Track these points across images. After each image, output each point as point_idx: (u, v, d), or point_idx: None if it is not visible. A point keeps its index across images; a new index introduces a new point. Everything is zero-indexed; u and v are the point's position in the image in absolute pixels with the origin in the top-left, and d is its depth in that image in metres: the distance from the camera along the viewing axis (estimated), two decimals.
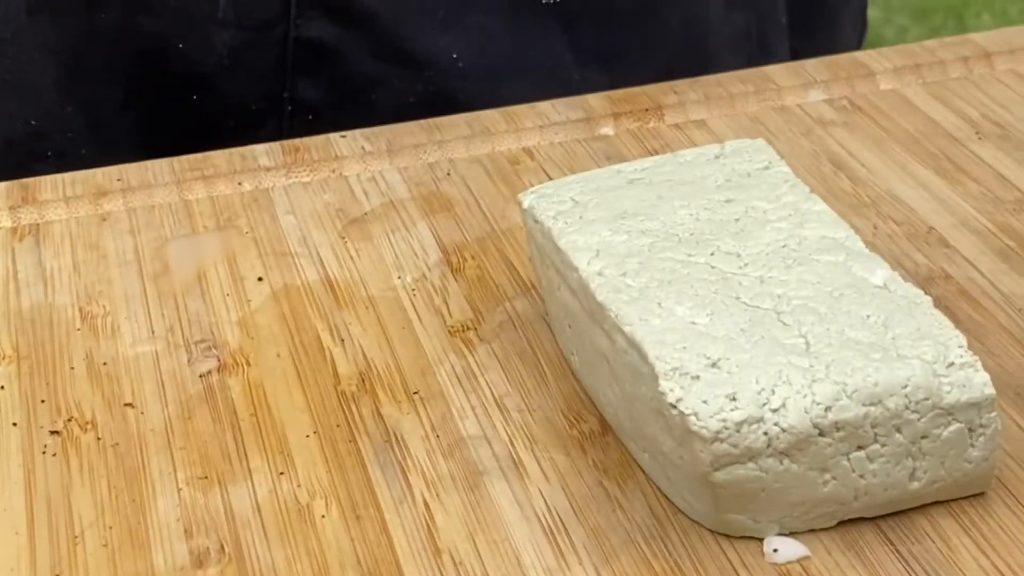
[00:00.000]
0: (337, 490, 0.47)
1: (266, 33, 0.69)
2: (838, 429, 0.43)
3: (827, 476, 0.43)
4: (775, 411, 0.42)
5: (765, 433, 0.42)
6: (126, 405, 0.50)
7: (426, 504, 0.46)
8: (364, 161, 0.64)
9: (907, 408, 0.43)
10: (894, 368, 0.43)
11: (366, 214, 0.60)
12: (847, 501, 0.44)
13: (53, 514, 0.46)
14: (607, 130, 0.64)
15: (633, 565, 0.44)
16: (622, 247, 0.48)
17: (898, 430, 0.43)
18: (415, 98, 0.65)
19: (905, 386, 0.43)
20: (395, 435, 0.49)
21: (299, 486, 0.47)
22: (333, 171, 0.63)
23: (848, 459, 0.43)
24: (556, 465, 0.47)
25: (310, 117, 0.70)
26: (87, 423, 0.50)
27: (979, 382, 0.44)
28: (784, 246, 0.48)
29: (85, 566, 0.44)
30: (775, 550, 0.43)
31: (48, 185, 0.62)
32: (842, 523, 0.44)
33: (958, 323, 0.52)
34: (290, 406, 0.50)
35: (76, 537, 0.45)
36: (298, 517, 0.46)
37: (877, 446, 0.43)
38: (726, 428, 0.42)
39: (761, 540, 0.44)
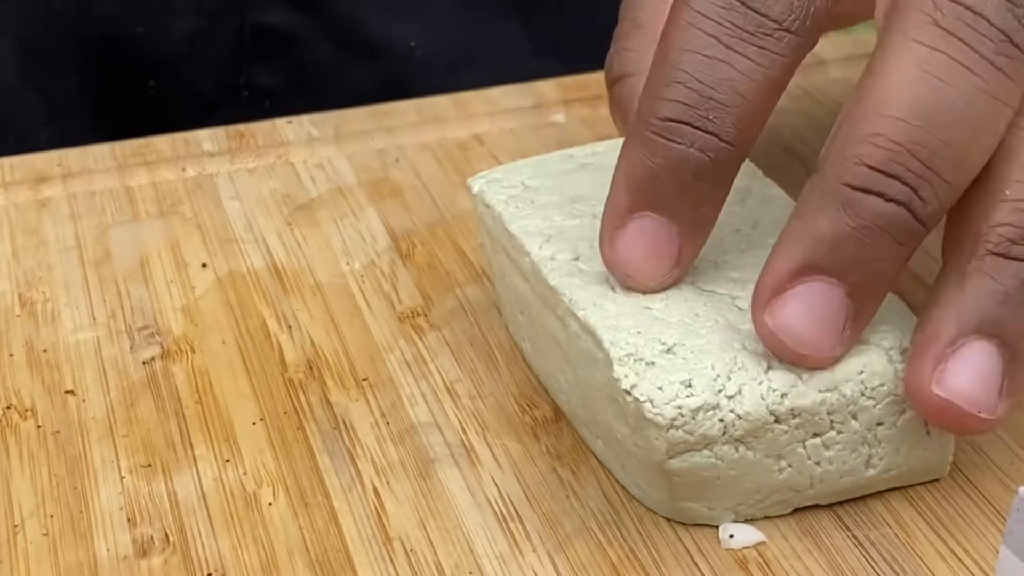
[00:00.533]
0: (285, 478, 0.46)
1: (223, 18, 0.68)
2: (794, 416, 0.42)
3: (783, 463, 0.43)
4: (731, 398, 0.42)
5: (721, 420, 0.41)
6: (67, 392, 0.49)
7: (376, 491, 0.45)
8: (311, 147, 0.63)
9: (863, 395, 0.42)
10: (850, 354, 0.42)
11: (313, 200, 0.59)
12: (803, 488, 0.43)
13: None
14: (558, 117, 0.64)
15: (588, 552, 0.43)
16: (574, 231, 0.47)
17: (854, 417, 0.42)
18: (372, 86, 0.65)
19: (861, 372, 0.42)
20: (344, 422, 0.48)
21: (245, 474, 0.46)
22: (279, 157, 0.62)
23: (804, 446, 0.43)
24: (508, 452, 0.47)
25: (267, 104, 0.69)
26: (27, 411, 0.48)
27: None
28: (738, 230, 0.47)
29: (26, 555, 0.43)
30: (731, 536, 0.43)
31: None
32: (798, 510, 0.44)
33: None
34: (236, 393, 0.49)
35: (16, 526, 0.44)
36: (244, 505, 0.45)
37: (833, 433, 0.42)
38: (681, 415, 0.41)
39: (714, 526, 0.43)
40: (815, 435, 0.42)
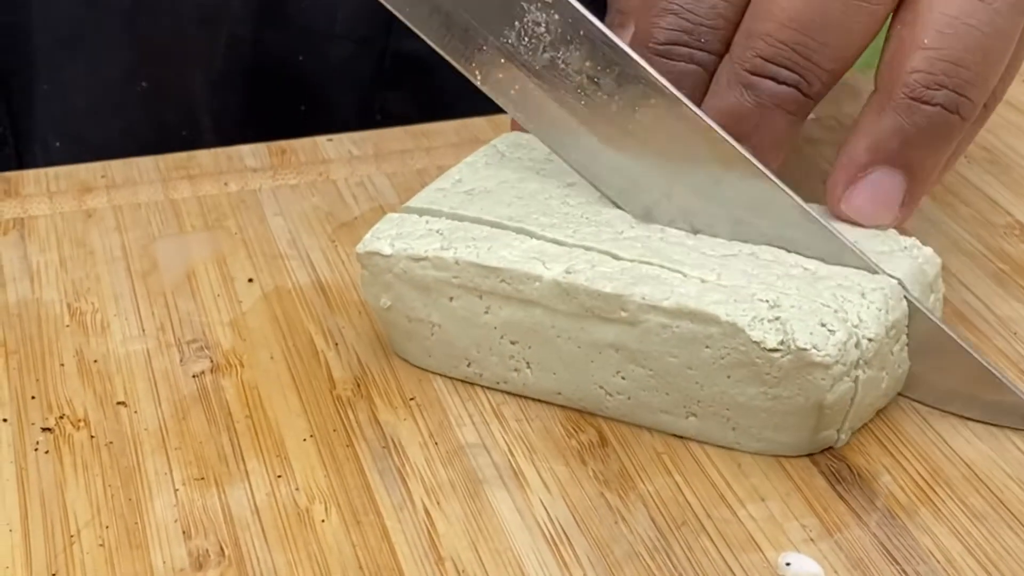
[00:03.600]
0: (336, 495, 0.46)
1: (368, 46, 0.72)
2: (893, 327, 0.47)
3: (883, 374, 0.47)
4: (856, 326, 0.46)
5: (857, 346, 0.46)
6: (119, 404, 0.50)
7: (426, 511, 0.46)
8: (351, 165, 0.63)
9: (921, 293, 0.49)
10: (899, 260, 0.49)
11: (356, 219, 0.59)
12: (891, 394, 0.49)
13: (47, 512, 0.45)
14: None
15: None
16: (550, 244, 0.49)
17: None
18: (494, 110, 0.66)
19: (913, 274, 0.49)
20: (393, 441, 0.48)
21: (297, 489, 0.46)
22: (320, 174, 0.63)
23: (892, 352, 0.47)
24: (556, 475, 0.47)
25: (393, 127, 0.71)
26: (79, 421, 0.49)
27: (928, 252, 0.50)
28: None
29: (82, 565, 0.44)
30: (787, 564, 0.43)
31: (31, 179, 0.61)
32: (847, 543, 0.44)
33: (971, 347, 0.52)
34: (285, 409, 0.50)
35: (72, 536, 0.45)
36: (297, 521, 0.45)
37: (905, 337, 0.48)
38: (840, 351, 0.45)
39: (766, 554, 0.44)
40: (897, 342, 0.47)
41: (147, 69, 0.71)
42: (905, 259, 0.49)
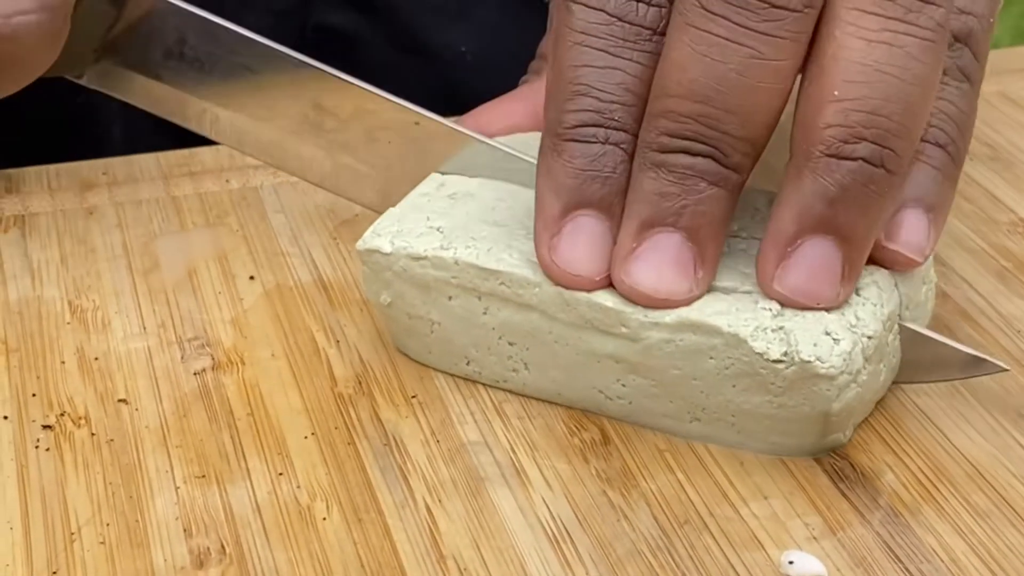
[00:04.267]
0: (338, 493, 0.46)
1: (288, 18, 0.70)
2: (888, 319, 0.47)
3: (882, 366, 0.47)
4: (853, 327, 0.45)
5: (861, 351, 0.45)
6: (120, 401, 0.49)
7: (428, 509, 0.46)
8: None
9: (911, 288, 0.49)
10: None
11: (357, 216, 0.59)
12: (888, 384, 0.48)
13: (48, 509, 0.45)
14: None
15: None
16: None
17: (907, 307, 0.48)
18: (424, 88, 0.66)
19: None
20: (394, 439, 0.48)
21: (299, 487, 0.46)
22: None
23: (888, 343, 0.47)
24: (558, 473, 0.47)
25: None
26: (80, 418, 0.49)
27: None
28: None
29: (83, 563, 0.43)
30: (791, 562, 0.43)
31: (32, 176, 0.61)
32: (850, 541, 0.44)
33: (958, 342, 0.52)
34: (287, 407, 0.49)
35: (73, 534, 0.44)
36: (299, 519, 0.45)
37: (898, 326, 0.48)
38: (844, 361, 0.45)
39: (769, 552, 0.44)
40: (891, 332, 0.47)
41: None
42: None
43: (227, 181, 0.61)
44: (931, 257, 0.50)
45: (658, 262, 0.45)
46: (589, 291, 0.46)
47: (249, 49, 0.55)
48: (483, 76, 0.70)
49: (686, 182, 0.45)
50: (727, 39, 0.44)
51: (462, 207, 0.50)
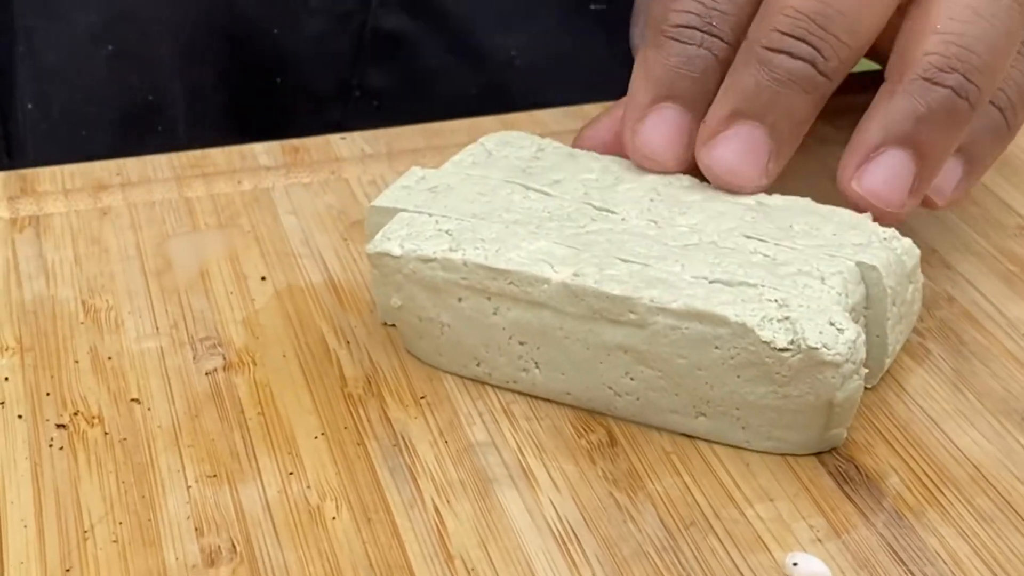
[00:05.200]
0: (347, 492, 0.47)
1: (347, 22, 0.72)
2: (852, 311, 0.48)
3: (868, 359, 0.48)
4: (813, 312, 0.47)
5: (865, 342, 0.46)
6: (132, 400, 0.50)
7: (436, 509, 0.46)
8: (364, 164, 0.63)
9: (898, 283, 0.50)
10: (877, 251, 0.49)
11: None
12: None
13: (62, 508, 0.46)
14: None
15: None
16: (559, 250, 0.49)
17: (893, 303, 0.50)
18: (473, 91, 0.67)
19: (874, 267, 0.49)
20: (403, 439, 0.49)
21: (309, 487, 0.47)
22: (332, 172, 0.63)
23: (877, 336, 0.49)
24: (566, 474, 0.47)
25: (375, 104, 0.72)
26: (93, 417, 0.49)
27: (907, 244, 0.50)
28: (652, 200, 0.51)
29: (96, 561, 0.44)
30: (795, 564, 0.44)
31: (47, 177, 0.62)
32: (854, 543, 0.45)
33: (963, 345, 0.52)
34: (297, 407, 0.50)
35: (86, 532, 0.45)
36: (309, 518, 0.46)
37: (864, 319, 0.49)
38: (849, 348, 0.46)
39: (773, 554, 0.44)
40: (856, 323, 0.48)
41: (114, 32, 0.72)
42: (883, 250, 0.49)
43: (239, 182, 0.62)
44: (918, 257, 0.51)
45: (739, 149, 0.50)
46: (663, 171, 0.52)
47: None
48: (531, 80, 0.72)
49: (782, 82, 0.49)
50: None
51: (442, 200, 0.51)
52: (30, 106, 0.71)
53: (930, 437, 0.49)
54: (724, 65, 0.51)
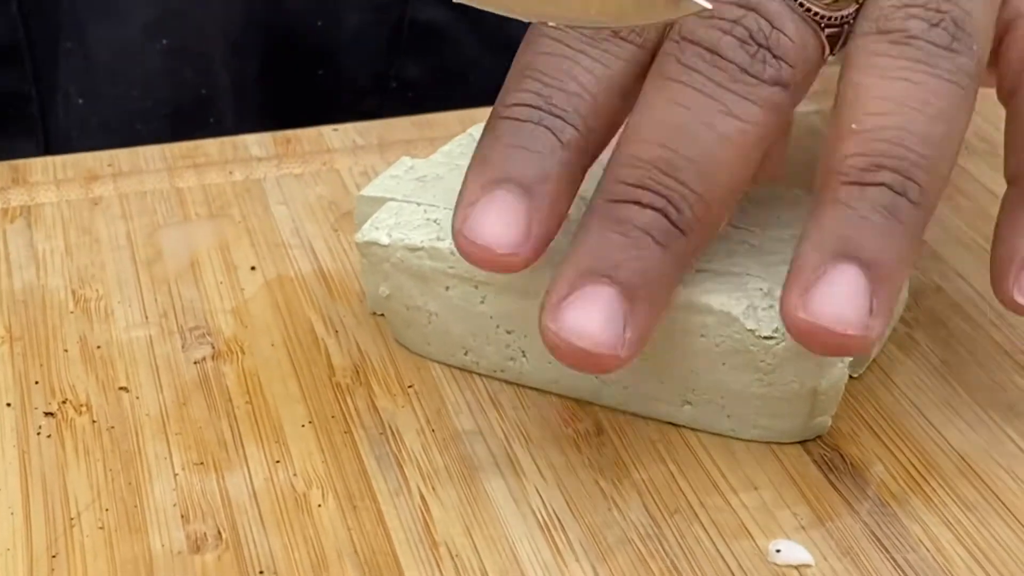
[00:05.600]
0: (333, 480, 0.47)
1: (385, 13, 0.73)
2: None
3: None
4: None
5: None
6: (121, 389, 0.50)
7: (422, 497, 0.46)
8: (355, 155, 0.64)
9: None
10: None
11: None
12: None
13: (49, 495, 0.46)
14: None
15: (629, 564, 0.44)
16: None
17: None
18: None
19: None
20: (390, 428, 0.49)
21: (295, 475, 0.47)
22: (324, 164, 0.63)
23: None
24: (552, 463, 0.48)
25: (410, 95, 0.72)
26: (82, 406, 0.49)
27: None
28: None
29: (82, 548, 0.44)
30: (778, 551, 0.44)
31: (38, 167, 0.62)
32: (838, 531, 0.45)
33: (950, 335, 0.52)
34: (285, 396, 0.50)
35: (72, 519, 0.45)
36: (295, 505, 0.46)
37: None
38: None
39: (757, 541, 0.44)
40: None
41: (168, 27, 0.72)
42: None
43: (231, 173, 0.62)
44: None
45: (588, 314, 0.43)
46: (493, 269, 0.45)
47: None
48: None
49: (631, 235, 0.43)
50: (699, 90, 0.44)
51: (431, 189, 0.51)
52: (80, 101, 0.72)
53: (916, 426, 0.49)
54: (571, 152, 0.45)
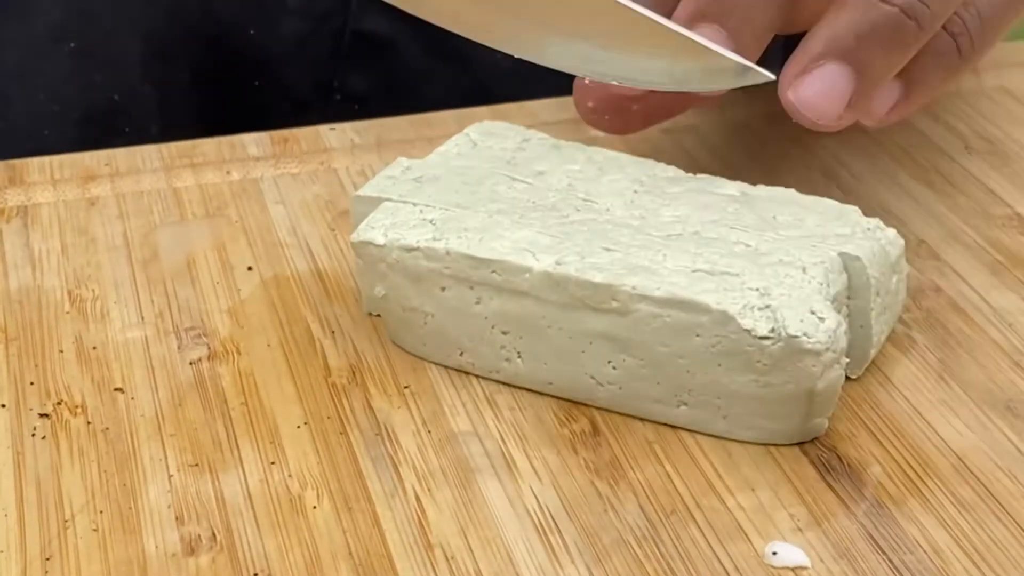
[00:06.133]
0: (328, 481, 0.47)
1: (326, 23, 0.72)
2: (834, 300, 0.48)
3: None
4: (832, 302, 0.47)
5: (846, 332, 0.46)
6: (116, 390, 0.50)
7: (417, 498, 0.46)
8: (353, 154, 0.63)
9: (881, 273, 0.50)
10: (860, 241, 0.49)
11: None
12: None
13: (43, 497, 0.46)
14: (598, 131, 0.64)
15: (625, 566, 0.44)
16: (542, 239, 0.49)
17: (877, 293, 0.50)
18: (457, 93, 0.67)
19: (857, 257, 0.49)
20: (386, 429, 0.49)
21: (290, 476, 0.47)
22: (322, 163, 0.63)
23: (861, 326, 0.50)
24: (547, 463, 0.47)
25: (356, 107, 0.71)
26: (77, 407, 0.49)
27: (891, 234, 0.50)
28: (635, 191, 0.51)
29: (76, 550, 0.44)
30: (774, 553, 0.44)
31: (35, 167, 0.62)
32: (834, 532, 0.45)
33: (949, 335, 0.52)
34: (280, 396, 0.50)
35: (66, 521, 0.45)
36: (289, 507, 0.46)
37: (847, 308, 0.50)
38: (830, 337, 0.45)
39: (753, 543, 0.44)
40: (839, 313, 0.48)
41: (76, 31, 0.71)
42: (866, 240, 0.49)
43: (228, 172, 0.62)
44: (903, 247, 0.51)
45: (822, 89, 0.50)
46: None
47: None
48: (517, 81, 0.71)
49: (877, 25, 0.49)
50: None
51: (427, 189, 0.51)
52: None
53: (913, 427, 0.49)
54: None
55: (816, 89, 0.50)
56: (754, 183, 0.53)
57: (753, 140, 0.64)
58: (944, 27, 0.51)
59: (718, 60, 0.49)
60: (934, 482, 0.46)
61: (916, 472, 0.47)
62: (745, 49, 0.50)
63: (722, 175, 0.53)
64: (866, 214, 0.57)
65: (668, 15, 0.50)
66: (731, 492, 0.46)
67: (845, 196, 0.60)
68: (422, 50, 0.74)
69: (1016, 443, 0.48)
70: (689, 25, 0.50)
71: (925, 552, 0.44)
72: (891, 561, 0.44)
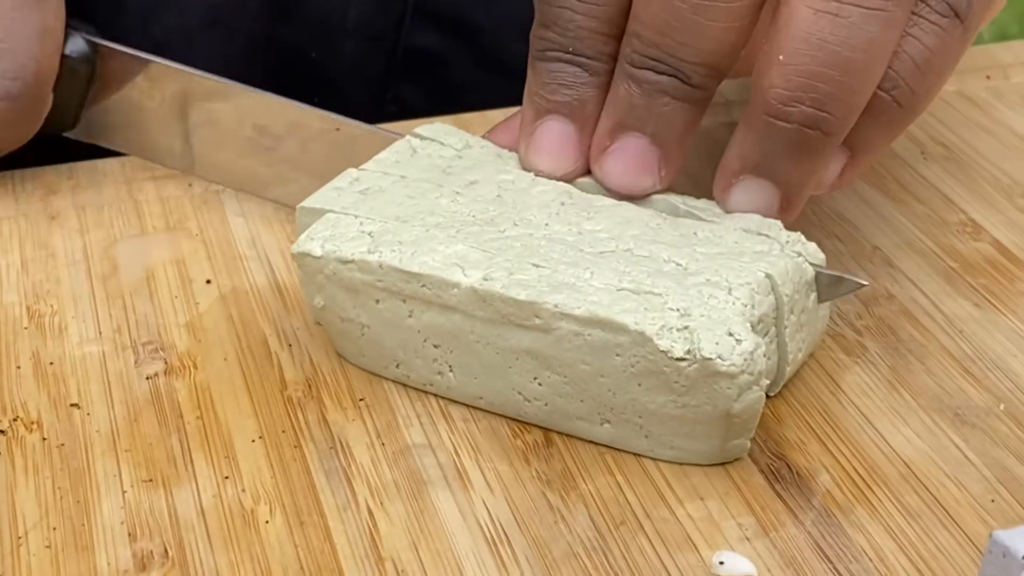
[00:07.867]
0: (282, 496, 0.47)
1: (380, 41, 0.74)
2: (760, 322, 0.48)
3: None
4: (755, 326, 0.47)
5: (764, 353, 0.46)
6: (72, 406, 0.50)
7: (370, 512, 0.46)
8: None
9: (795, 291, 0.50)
10: (775, 259, 0.49)
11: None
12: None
13: None
14: None
15: None
16: (473, 250, 0.49)
17: (791, 311, 0.49)
18: (504, 103, 0.68)
19: (787, 272, 0.49)
20: (340, 442, 0.49)
21: (244, 491, 0.47)
22: None
23: (778, 344, 0.50)
24: (500, 475, 0.48)
25: (408, 119, 0.73)
26: (32, 423, 0.50)
27: (811, 248, 0.50)
28: (563, 204, 0.52)
29: (28, 567, 0.44)
30: (721, 563, 0.44)
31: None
32: (781, 541, 0.45)
33: (900, 342, 0.53)
34: (236, 410, 0.50)
35: (19, 538, 0.45)
36: (242, 522, 0.46)
37: (775, 330, 0.50)
38: (745, 360, 0.45)
39: (701, 553, 0.45)
40: (766, 335, 0.49)
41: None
42: (782, 258, 0.49)
43: (189, 185, 0.62)
44: (823, 261, 0.51)
45: (627, 160, 0.52)
46: (556, 177, 0.53)
47: (200, 85, 0.61)
48: None
49: (652, 95, 0.51)
50: None
51: (370, 201, 0.52)
52: None
53: (863, 435, 0.49)
54: (602, 75, 0.52)
55: (742, 201, 0.51)
56: (710, 192, 0.53)
57: (715, 147, 0.64)
58: (879, 86, 0.50)
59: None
60: (882, 490, 0.47)
61: (864, 480, 0.47)
62: (669, 152, 0.52)
63: (681, 183, 0.53)
64: (822, 220, 0.58)
65: (590, 136, 0.53)
66: (680, 502, 0.47)
67: None
68: (471, 63, 0.77)
69: (964, 450, 0.48)
70: (611, 137, 0.52)
71: (871, 560, 0.44)
72: (837, 570, 0.44)
